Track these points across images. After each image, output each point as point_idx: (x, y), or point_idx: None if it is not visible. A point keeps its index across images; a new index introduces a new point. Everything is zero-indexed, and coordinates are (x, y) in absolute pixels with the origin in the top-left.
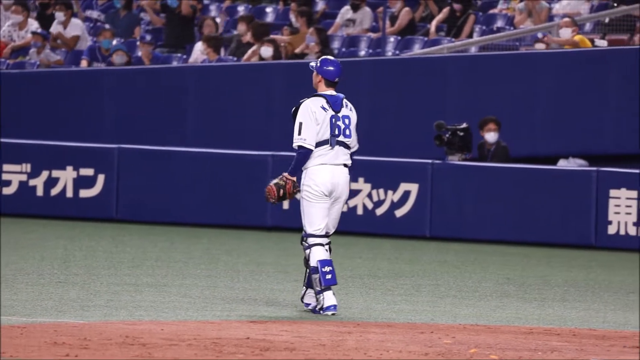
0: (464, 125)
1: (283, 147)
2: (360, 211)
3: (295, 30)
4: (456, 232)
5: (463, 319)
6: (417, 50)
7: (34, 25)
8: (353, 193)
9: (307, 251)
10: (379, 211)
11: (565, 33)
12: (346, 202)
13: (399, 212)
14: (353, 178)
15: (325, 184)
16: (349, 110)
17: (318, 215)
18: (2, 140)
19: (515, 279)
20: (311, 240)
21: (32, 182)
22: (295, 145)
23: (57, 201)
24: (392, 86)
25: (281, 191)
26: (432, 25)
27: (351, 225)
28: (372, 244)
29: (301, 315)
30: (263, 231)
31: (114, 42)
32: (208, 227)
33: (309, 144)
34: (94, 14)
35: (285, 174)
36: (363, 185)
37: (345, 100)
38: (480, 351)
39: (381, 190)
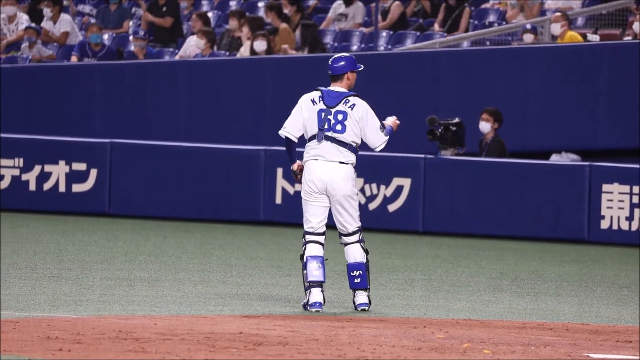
0: (457, 120)
1: (275, 142)
2: None
3: (274, 29)
4: (449, 226)
5: (456, 314)
6: (409, 44)
7: (23, 18)
8: None
9: (303, 247)
10: (372, 206)
11: (556, 28)
12: (351, 199)
13: (392, 207)
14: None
15: (314, 180)
16: (347, 107)
17: (312, 213)
18: None
19: (509, 273)
20: (307, 237)
21: (24, 177)
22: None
23: (50, 196)
24: (385, 81)
25: (298, 176)
26: (436, 26)
27: None
28: (364, 238)
29: (294, 310)
30: (256, 226)
31: (105, 36)
32: (201, 221)
33: (288, 132)
34: (86, 8)
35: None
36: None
37: (349, 98)
38: (473, 346)
39: (374, 185)
